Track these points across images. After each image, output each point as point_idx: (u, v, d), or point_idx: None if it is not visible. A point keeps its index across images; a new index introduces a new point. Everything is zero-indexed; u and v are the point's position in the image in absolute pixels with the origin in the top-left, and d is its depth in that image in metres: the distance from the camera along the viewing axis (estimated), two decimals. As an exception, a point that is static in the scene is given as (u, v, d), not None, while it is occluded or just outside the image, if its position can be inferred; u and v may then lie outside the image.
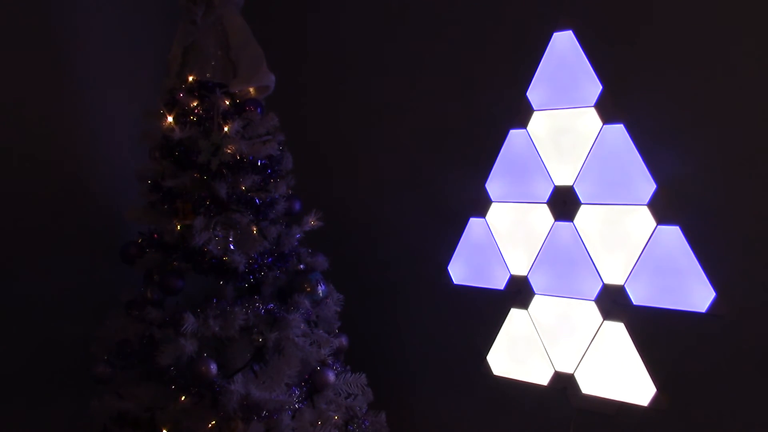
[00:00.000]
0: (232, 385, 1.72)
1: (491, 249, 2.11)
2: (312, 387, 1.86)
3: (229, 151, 1.81)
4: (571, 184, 1.93)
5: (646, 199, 1.79)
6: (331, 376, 1.87)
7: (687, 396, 1.76)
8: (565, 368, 1.95)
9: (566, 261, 1.94)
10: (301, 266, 2.00)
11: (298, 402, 1.82)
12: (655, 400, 1.78)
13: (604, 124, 1.87)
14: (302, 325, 1.90)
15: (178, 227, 1.85)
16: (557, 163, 1.97)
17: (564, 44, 1.96)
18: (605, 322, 1.86)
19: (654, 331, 1.79)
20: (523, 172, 2.05)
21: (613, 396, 1.85)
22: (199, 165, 1.83)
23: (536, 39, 2.00)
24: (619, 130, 1.84)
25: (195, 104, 1.88)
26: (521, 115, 2.04)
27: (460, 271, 2.21)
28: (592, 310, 1.89)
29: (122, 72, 2.43)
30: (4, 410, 2.11)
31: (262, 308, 1.84)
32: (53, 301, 2.22)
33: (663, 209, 1.76)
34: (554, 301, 1.98)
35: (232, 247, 1.83)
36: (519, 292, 2.05)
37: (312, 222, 2.02)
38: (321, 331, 1.98)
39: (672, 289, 1.75)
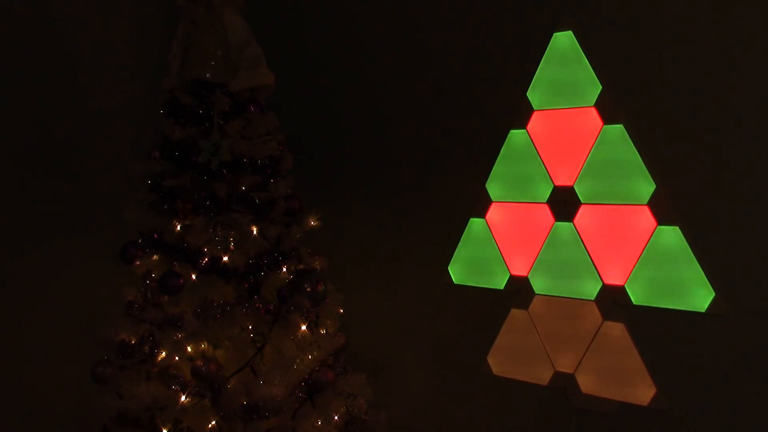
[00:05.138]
0: (232, 385, 1.73)
1: (491, 249, 2.11)
2: (312, 387, 1.86)
3: (228, 151, 1.82)
4: (571, 184, 1.93)
5: (646, 199, 1.79)
6: (331, 377, 1.87)
7: (687, 396, 1.76)
8: (565, 368, 1.95)
9: (566, 261, 1.94)
10: (301, 266, 2.00)
11: (298, 402, 1.82)
12: (655, 400, 1.78)
13: (604, 124, 1.87)
14: (302, 326, 1.90)
15: (178, 227, 1.86)
16: (557, 163, 1.97)
17: (564, 44, 1.96)
18: (605, 322, 1.86)
19: (654, 331, 1.79)
20: (523, 172, 2.05)
21: (613, 396, 1.85)
22: (199, 165, 1.83)
23: (536, 39, 2.00)
24: (619, 130, 1.84)
25: (195, 104, 1.88)
26: (521, 115, 2.04)
27: (460, 271, 2.21)
28: (592, 310, 1.89)
29: (122, 72, 2.43)
30: (4, 410, 2.11)
31: (262, 308, 1.85)
32: (54, 301, 2.22)
33: (663, 209, 1.76)
34: (554, 301, 1.98)
35: (232, 247, 1.83)
36: (519, 292, 2.05)
37: (312, 222, 2.02)
38: (321, 331, 1.99)
39: (672, 289, 1.75)
